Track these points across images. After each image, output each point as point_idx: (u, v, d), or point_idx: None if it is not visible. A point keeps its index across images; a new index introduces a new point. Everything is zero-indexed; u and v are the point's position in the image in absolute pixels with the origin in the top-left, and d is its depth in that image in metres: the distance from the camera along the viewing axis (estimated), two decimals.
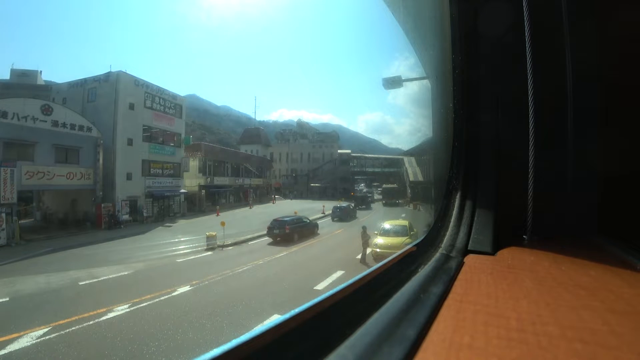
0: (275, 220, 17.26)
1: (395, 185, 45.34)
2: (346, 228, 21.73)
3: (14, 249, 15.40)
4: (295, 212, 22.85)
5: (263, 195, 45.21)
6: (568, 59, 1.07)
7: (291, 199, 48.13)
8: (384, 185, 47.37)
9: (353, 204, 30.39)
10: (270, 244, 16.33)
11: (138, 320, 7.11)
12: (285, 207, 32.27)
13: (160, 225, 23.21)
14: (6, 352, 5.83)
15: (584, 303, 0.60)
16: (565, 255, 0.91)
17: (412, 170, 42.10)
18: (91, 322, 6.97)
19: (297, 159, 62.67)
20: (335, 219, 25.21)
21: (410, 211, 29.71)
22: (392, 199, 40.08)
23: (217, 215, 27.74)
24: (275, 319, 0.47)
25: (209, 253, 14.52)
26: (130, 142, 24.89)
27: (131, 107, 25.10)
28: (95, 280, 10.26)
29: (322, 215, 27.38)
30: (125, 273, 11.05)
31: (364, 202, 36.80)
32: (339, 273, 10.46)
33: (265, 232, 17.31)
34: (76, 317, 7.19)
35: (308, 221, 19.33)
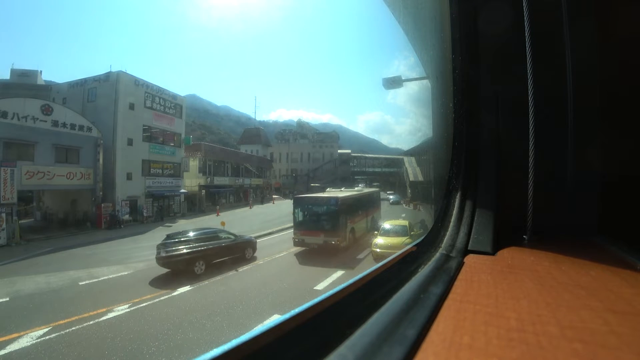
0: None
1: (346, 194, 15.76)
2: None
3: (14, 249, 15.39)
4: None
5: (263, 195, 45.17)
6: (568, 59, 1.07)
7: (291, 199, 48.05)
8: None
9: None
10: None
11: (138, 320, 7.11)
12: (285, 208, 32.29)
13: (160, 225, 23.18)
14: (6, 352, 5.83)
15: (584, 303, 0.60)
16: (565, 255, 0.91)
17: (412, 170, 41.86)
18: (91, 322, 6.97)
19: (297, 159, 62.69)
20: None
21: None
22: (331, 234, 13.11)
23: (217, 215, 27.74)
24: (275, 319, 0.47)
25: None
26: (130, 142, 24.88)
27: (131, 107, 25.10)
28: (95, 280, 10.26)
29: None
30: (125, 273, 11.05)
31: None
32: (339, 274, 10.47)
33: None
34: (76, 317, 7.18)
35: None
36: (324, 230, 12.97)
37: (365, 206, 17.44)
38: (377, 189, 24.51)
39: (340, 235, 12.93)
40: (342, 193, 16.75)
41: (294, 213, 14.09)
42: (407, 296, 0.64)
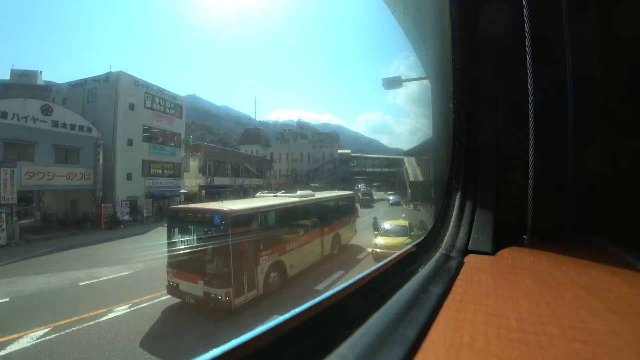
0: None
1: (252, 205, 8.82)
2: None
3: (14, 249, 15.38)
4: None
5: None
6: (568, 59, 1.07)
7: None
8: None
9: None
10: None
11: (138, 320, 7.10)
12: None
13: (160, 226, 23.13)
14: (6, 352, 5.83)
15: (584, 303, 0.60)
16: (565, 255, 0.91)
17: (412, 171, 41.94)
18: (91, 323, 6.96)
19: (297, 159, 62.66)
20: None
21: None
22: None
23: None
24: (275, 319, 0.47)
25: None
26: (130, 142, 24.86)
27: (131, 107, 25.08)
28: (96, 280, 10.25)
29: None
30: (125, 273, 11.03)
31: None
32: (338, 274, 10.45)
33: None
34: (76, 318, 7.18)
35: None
36: (204, 274, 7.04)
37: (313, 223, 10.52)
38: (350, 192, 16.29)
39: (235, 284, 6.94)
40: (249, 203, 9.56)
41: (168, 237, 8.09)
42: (407, 296, 0.64)
